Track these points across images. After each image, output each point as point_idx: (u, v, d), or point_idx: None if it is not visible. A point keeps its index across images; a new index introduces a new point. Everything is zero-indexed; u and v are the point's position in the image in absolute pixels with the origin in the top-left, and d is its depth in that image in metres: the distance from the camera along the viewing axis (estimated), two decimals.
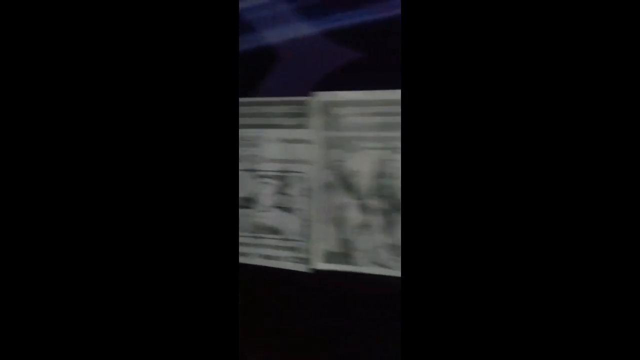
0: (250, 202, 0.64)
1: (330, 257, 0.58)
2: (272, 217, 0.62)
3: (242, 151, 0.64)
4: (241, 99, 0.62)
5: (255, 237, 0.63)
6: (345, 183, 0.58)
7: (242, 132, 0.64)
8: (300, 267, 0.60)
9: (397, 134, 0.54)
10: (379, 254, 0.56)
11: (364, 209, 0.57)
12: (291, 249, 0.61)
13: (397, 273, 0.54)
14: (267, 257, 0.62)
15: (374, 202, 0.56)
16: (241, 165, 0.64)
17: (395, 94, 0.55)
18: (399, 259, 0.53)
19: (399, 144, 0.54)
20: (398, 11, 0.52)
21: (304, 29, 0.58)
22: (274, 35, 0.60)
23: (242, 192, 0.64)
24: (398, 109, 0.51)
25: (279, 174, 0.63)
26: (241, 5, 0.58)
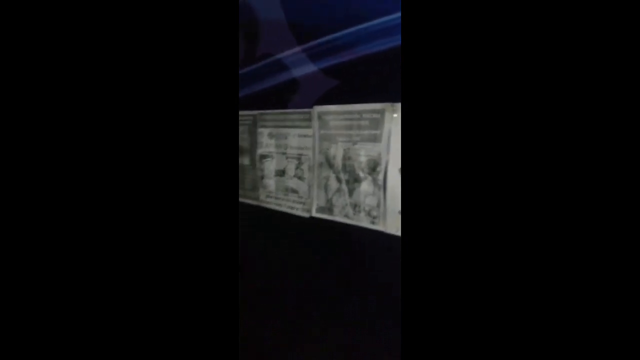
0: (281, 173, 1.01)
1: (320, 210, 0.93)
2: (293, 183, 0.99)
3: (278, 141, 1.01)
4: (277, 110, 1.00)
5: (285, 195, 1.00)
6: (329, 162, 0.90)
7: (278, 130, 1.01)
8: (305, 214, 0.96)
9: (357, 132, 0.83)
10: (346, 210, 0.87)
11: (339, 179, 0.88)
12: (302, 202, 0.97)
13: (356, 222, 0.85)
14: (290, 207, 0.99)
15: (343, 176, 0.88)
16: (277, 150, 1.01)
17: (355, 107, 0.84)
18: (359, 213, 0.84)
19: (358, 139, 0.83)
20: (360, 54, 0.82)
21: (310, 68, 0.91)
22: (294, 73, 0.93)
23: (278, 167, 1.01)
24: (357, 115, 0.82)
25: (297, 155, 0.98)
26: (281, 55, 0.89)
